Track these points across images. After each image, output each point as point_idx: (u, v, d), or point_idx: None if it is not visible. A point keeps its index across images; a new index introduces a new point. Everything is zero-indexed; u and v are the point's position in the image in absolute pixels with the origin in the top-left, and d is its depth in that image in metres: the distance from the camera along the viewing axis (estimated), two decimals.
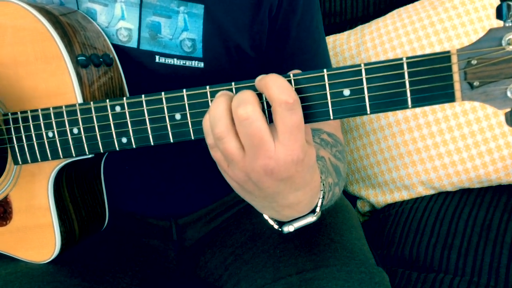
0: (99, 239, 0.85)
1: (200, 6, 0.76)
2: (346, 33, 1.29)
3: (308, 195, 0.59)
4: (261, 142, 0.51)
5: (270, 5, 0.79)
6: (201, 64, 0.78)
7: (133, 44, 0.77)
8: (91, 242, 0.84)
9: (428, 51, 1.15)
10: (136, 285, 0.85)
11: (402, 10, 1.25)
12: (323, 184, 0.63)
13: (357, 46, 1.24)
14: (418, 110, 1.15)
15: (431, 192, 1.17)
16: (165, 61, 0.77)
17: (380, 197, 1.21)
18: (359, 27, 1.29)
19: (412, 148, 1.15)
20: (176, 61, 0.77)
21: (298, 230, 0.80)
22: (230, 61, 0.80)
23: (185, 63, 0.78)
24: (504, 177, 1.14)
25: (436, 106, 1.14)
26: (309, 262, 0.75)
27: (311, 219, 0.62)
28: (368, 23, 1.28)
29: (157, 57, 0.77)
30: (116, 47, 0.75)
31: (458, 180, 1.14)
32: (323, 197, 0.63)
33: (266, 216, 0.64)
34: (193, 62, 0.78)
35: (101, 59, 0.70)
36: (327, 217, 0.84)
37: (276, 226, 0.64)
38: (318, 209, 0.62)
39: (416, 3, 1.25)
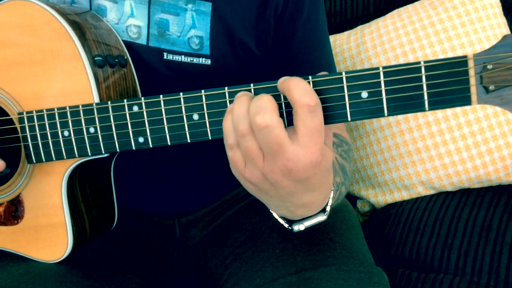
0: (107, 238, 0.86)
1: (208, 4, 0.77)
2: (346, 33, 1.29)
3: (322, 195, 0.59)
4: (280, 147, 0.52)
5: (276, 4, 0.79)
6: (208, 61, 0.79)
7: (142, 41, 0.77)
8: (99, 241, 0.84)
9: (428, 51, 1.15)
10: (143, 285, 0.86)
11: (402, 10, 1.25)
12: (333, 184, 0.64)
13: (357, 46, 1.24)
14: None
15: (431, 192, 1.17)
16: (173, 58, 0.78)
17: (380, 197, 1.21)
18: (359, 27, 1.29)
19: (412, 148, 1.15)
20: (183, 58, 0.78)
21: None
22: (237, 58, 0.81)
23: (193, 60, 0.78)
24: (504, 177, 1.14)
25: None
26: (308, 262, 0.75)
27: (322, 218, 0.63)
28: (368, 23, 1.28)
29: (165, 54, 0.78)
30: (126, 43, 0.76)
31: (458, 180, 1.14)
32: (332, 197, 0.64)
33: (276, 215, 0.64)
34: (200, 59, 0.78)
35: (116, 60, 0.71)
36: None
37: (286, 225, 0.64)
38: (328, 208, 0.63)
39: (416, 3, 1.25)
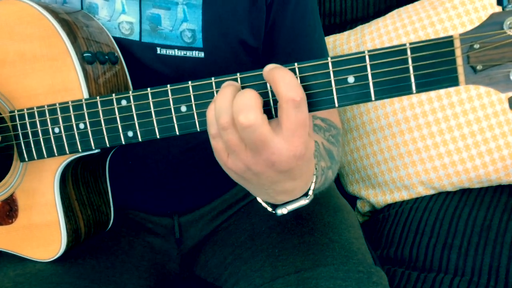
0: (104, 239, 0.86)
1: None
2: (346, 33, 1.29)
3: (303, 182, 0.60)
4: (264, 144, 0.52)
5: None
6: (202, 54, 0.79)
7: (135, 37, 0.77)
8: (97, 242, 0.84)
9: None
10: (142, 285, 0.86)
11: (402, 10, 1.25)
12: (316, 169, 0.64)
13: (357, 46, 1.24)
14: (418, 110, 1.15)
15: (431, 192, 1.17)
16: (166, 52, 0.78)
17: (380, 197, 1.21)
18: (359, 27, 1.29)
19: (412, 148, 1.15)
20: (177, 52, 0.78)
21: (296, 229, 0.80)
22: (230, 50, 0.81)
23: (186, 54, 0.78)
24: (504, 177, 1.14)
25: (436, 106, 1.14)
26: (307, 261, 0.75)
27: (304, 202, 0.63)
28: (368, 23, 1.28)
29: (158, 49, 0.78)
30: (119, 40, 0.76)
31: (458, 180, 1.14)
32: (315, 181, 0.64)
33: (260, 200, 0.64)
34: (194, 52, 0.78)
35: (106, 57, 0.71)
36: (325, 216, 0.84)
37: (269, 209, 0.65)
38: (311, 192, 0.63)
39: (416, 3, 1.25)
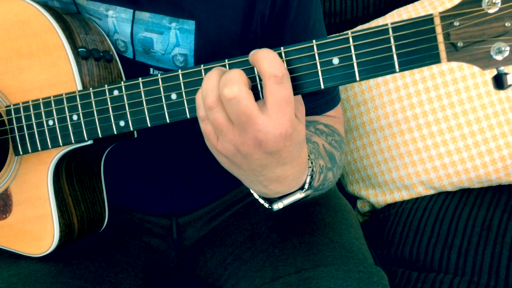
0: (100, 239, 0.86)
1: (191, 22, 0.76)
2: None
3: (294, 169, 0.59)
4: (249, 119, 0.52)
5: (262, 14, 0.78)
6: None
7: (129, 55, 0.78)
8: (92, 242, 0.84)
9: None
10: (138, 285, 0.86)
11: (402, 10, 1.25)
12: (312, 163, 0.64)
13: None
14: (418, 110, 1.15)
15: (431, 192, 1.17)
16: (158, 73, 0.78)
17: (380, 197, 1.21)
18: (359, 27, 1.29)
19: (412, 148, 1.15)
20: None
21: (296, 229, 0.80)
22: None
23: None
24: (504, 177, 1.14)
25: (436, 106, 1.14)
26: (307, 261, 0.75)
27: (299, 195, 0.63)
28: (368, 23, 1.28)
29: (151, 69, 0.79)
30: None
31: (458, 180, 1.14)
32: (312, 176, 0.64)
33: (256, 195, 0.65)
34: None
35: (101, 54, 0.72)
36: (326, 216, 0.85)
37: (266, 205, 0.65)
38: (306, 186, 0.63)
39: (416, 3, 1.25)
